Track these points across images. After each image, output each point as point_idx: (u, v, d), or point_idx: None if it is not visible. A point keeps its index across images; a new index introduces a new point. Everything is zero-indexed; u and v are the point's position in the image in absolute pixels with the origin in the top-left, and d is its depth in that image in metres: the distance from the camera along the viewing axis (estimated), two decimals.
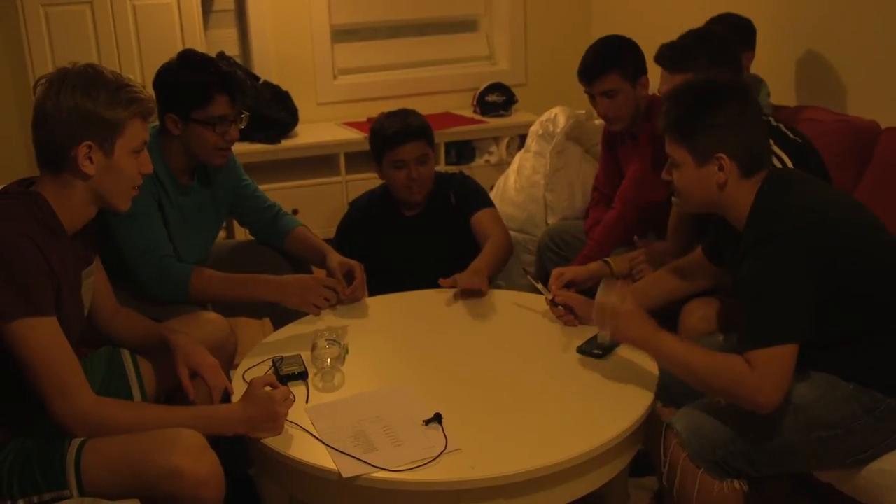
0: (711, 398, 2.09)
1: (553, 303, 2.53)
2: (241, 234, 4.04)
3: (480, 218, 3.01)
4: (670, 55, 2.68)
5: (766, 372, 1.91)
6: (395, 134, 2.93)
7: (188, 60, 2.67)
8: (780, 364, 1.92)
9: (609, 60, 3.05)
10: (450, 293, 2.73)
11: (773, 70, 3.69)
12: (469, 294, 2.70)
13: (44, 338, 1.85)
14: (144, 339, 2.30)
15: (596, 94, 3.07)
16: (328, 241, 2.99)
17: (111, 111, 1.93)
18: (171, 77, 2.64)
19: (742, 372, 1.93)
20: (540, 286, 2.63)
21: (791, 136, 2.60)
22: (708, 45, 2.64)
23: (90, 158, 1.94)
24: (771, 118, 2.67)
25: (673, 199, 2.24)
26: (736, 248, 2.10)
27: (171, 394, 2.35)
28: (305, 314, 2.61)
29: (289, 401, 2.06)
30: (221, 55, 4.41)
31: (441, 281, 2.71)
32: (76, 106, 1.91)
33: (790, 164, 2.49)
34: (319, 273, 2.84)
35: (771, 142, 2.49)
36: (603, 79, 3.04)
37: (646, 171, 3.06)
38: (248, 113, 2.71)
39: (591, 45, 3.14)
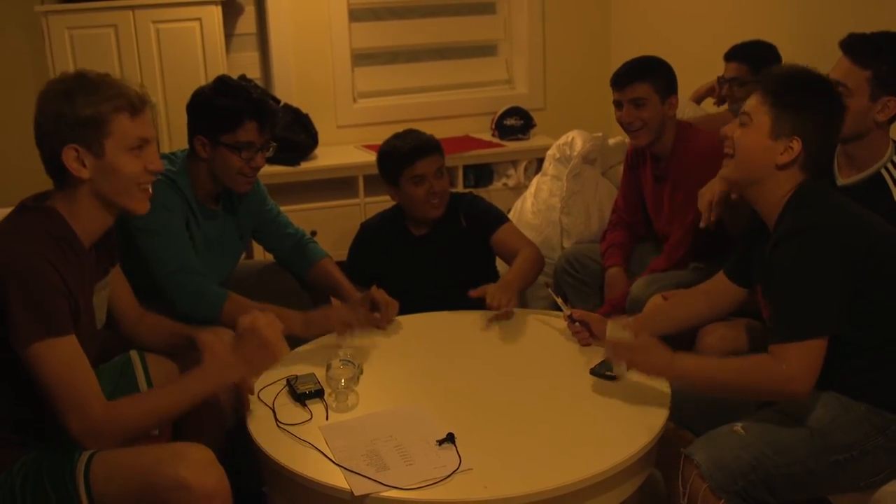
0: (732, 422, 2.08)
1: (571, 319, 2.54)
2: (259, 255, 4.07)
3: (502, 235, 3.02)
4: (861, 46, 2.46)
5: (797, 363, 1.95)
6: (411, 150, 2.94)
7: (223, 85, 2.72)
8: (809, 355, 1.96)
9: (642, 70, 3.09)
10: (463, 314, 2.76)
11: None
12: (497, 317, 2.70)
13: (63, 357, 1.86)
14: (171, 342, 2.34)
15: (624, 101, 3.07)
16: (340, 263, 3.01)
17: (90, 108, 1.90)
18: (204, 100, 2.69)
19: (769, 366, 1.97)
20: (559, 301, 2.64)
21: None
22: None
23: (81, 162, 1.93)
24: None
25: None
26: (765, 247, 2.11)
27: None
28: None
29: (275, 323, 2.07)
30: (243, 78, 4.45)
31: (471, 293, 2.71)
32: (56, 111, 1.91)
33: None
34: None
35: None
36: (634, 86, 3.05)
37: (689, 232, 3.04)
38: (276, 144, 2.74)
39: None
